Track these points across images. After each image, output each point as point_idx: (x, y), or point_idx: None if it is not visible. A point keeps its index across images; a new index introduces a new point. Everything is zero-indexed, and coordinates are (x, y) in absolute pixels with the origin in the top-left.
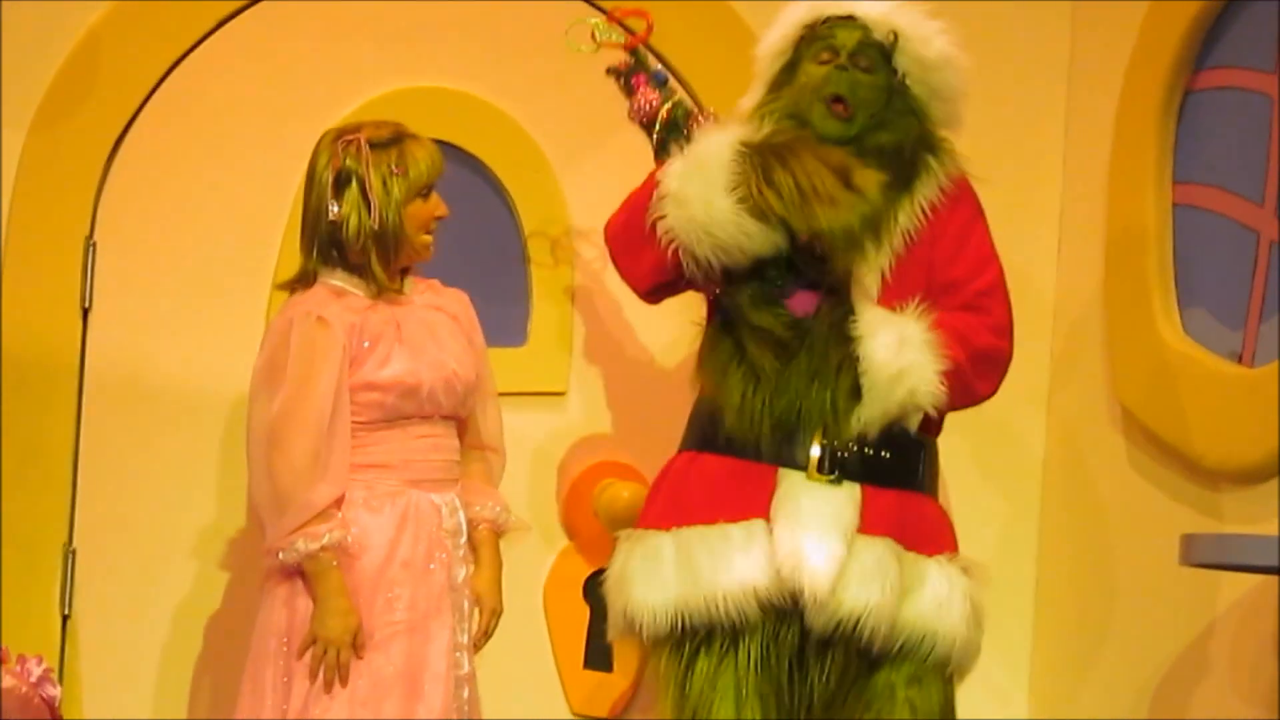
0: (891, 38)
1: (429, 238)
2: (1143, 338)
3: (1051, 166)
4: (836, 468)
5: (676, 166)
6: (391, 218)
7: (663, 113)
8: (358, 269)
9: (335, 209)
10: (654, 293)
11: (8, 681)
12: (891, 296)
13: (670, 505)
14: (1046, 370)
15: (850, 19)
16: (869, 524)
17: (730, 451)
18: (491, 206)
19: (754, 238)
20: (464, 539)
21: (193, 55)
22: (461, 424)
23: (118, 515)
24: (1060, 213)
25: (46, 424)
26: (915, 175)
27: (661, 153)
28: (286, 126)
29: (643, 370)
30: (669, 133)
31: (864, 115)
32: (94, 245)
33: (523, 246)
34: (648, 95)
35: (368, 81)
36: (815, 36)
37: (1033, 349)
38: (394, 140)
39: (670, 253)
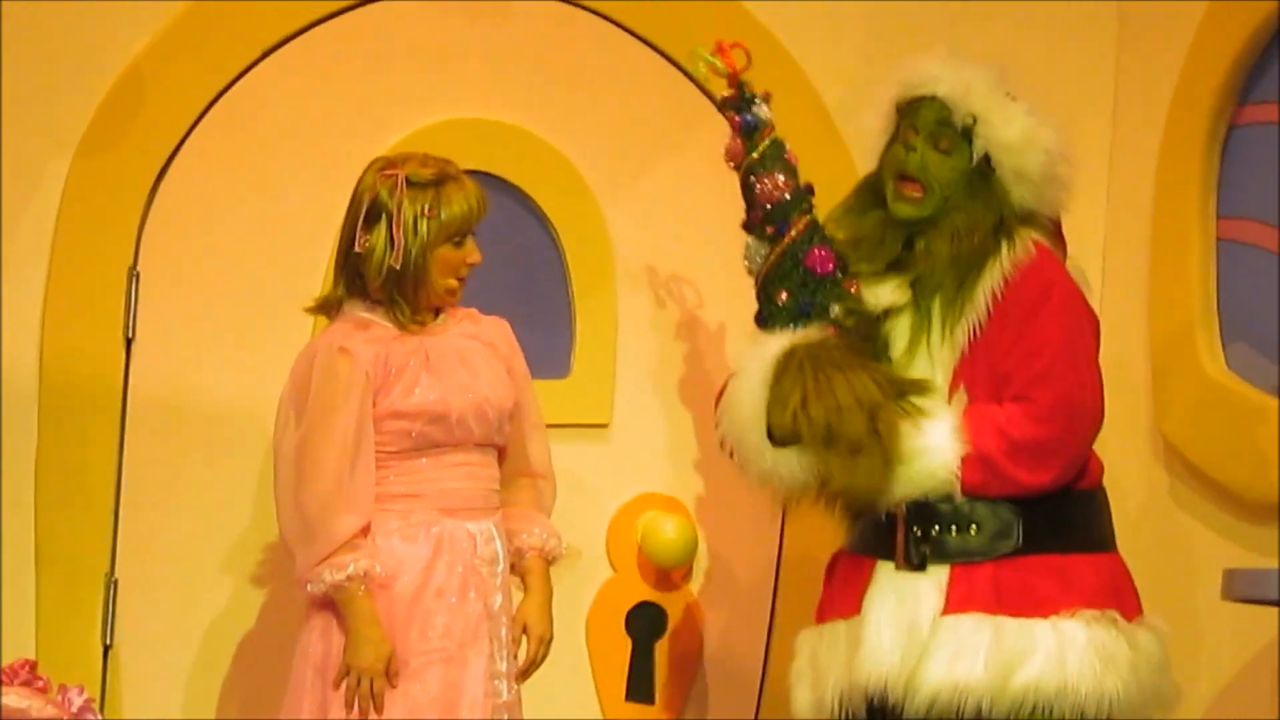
0: (969, 120)
1: (455, 283)
2: (1186, 371)
3: (1096, 201)
4: (921, 555)
5: (726, 396)
6: (415, 258)
7: (743, 167)
8: (380, 302)
9: (362, 241)
10: None
11: (49, 712)
12: (960, 388)
13: (819, 604)
14: None
15: (933, 98)
16: (956, 603)
17: (852, 547)
18: (535, 238)
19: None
20: (501, 567)
21: (237, 85)
22: (501, 451)
23: (160, 545)
24: (1104, 246)
25: (89, 453)
26: (983, 264)
27: (744, 204)
28: (330, 157)
29: (686, 402)
30: (744, 190)
31: (938, 196)
32: (137, 275)
33: (566, 278)
34: (735, 143)
35: (412, 113)
36: (903, 114)
37: None
38: (435, 181)
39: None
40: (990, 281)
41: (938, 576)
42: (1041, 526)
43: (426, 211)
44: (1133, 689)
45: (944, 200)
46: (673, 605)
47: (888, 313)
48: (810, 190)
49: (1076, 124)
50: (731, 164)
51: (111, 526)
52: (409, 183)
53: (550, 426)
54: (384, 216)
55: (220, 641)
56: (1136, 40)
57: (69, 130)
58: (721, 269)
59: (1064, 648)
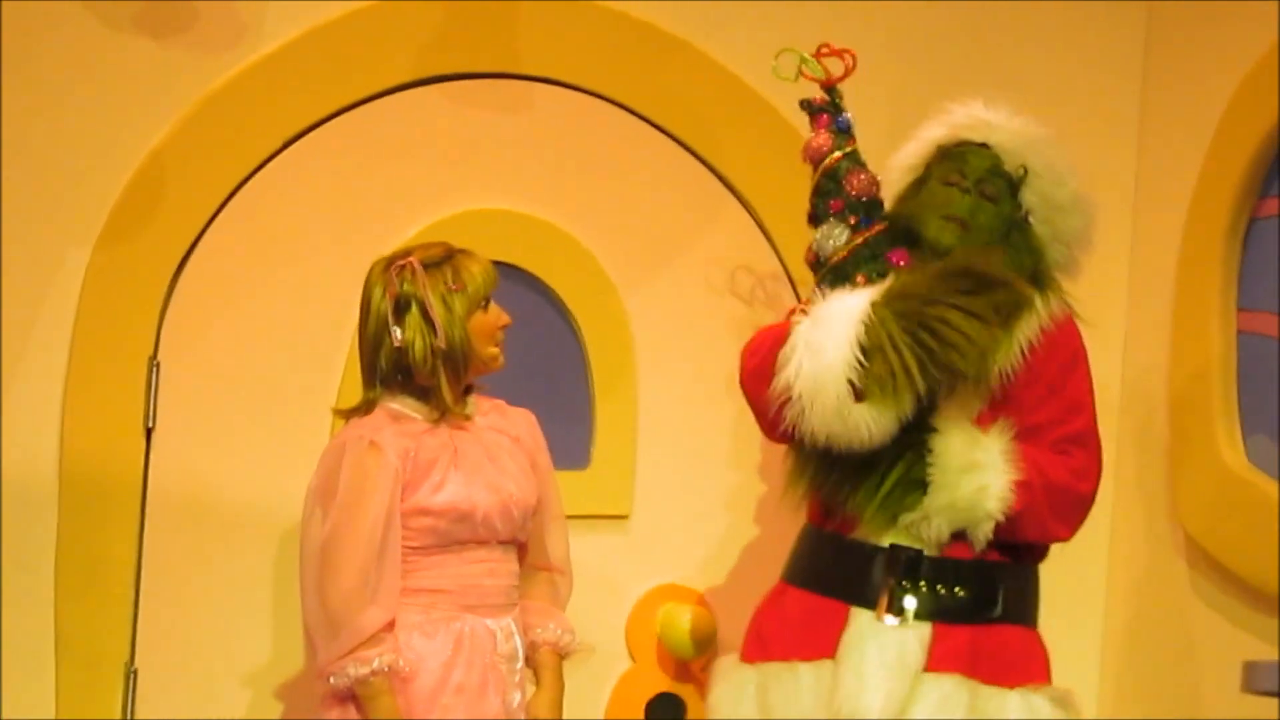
0: (1021, 171)
1: (496, 349)
2: (1206, 463)
3: (1116, 292)
4: (903, 608)
5: (794, 350)
6: (458, 334)
7: (828, 160)
8: (423, 392)
9: (399, 335)
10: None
11: None
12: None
13: (756, 639)
14: (1110, 494)
15: (984, 146)
16: (937, 661)
17: (808, 586)
18: (556, 329)
19: (866, 428)
20: (520, 664)
21: (257, 175)
22: (521, 548)
23: (179, 635)
24: (1125, 338)
25: (109, 543)
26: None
27: (814, 196)
28: (351, 248)
29: (706, 493)
30: (826, 180)
31: (979, 242)
32: (157, 365)
33: (587, 369)
34: (823, 138)
35: (432, 203)
36: (946, 156)
37: None
38: (446, 258)
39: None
40: (1028, 330)
41: (920, 632)
42: (1015, 597)
43: (451, 287)
44: None
45: (982, 244)
46: (692, 697)
47: None
48: (883, 204)
49: (1098, 213)
50: (813, 158)
51: (131, 616)
52: (425, 266)
53: (570, 517)
54: (414, 305)
55: None
56: (1159, 131)
57: (89, 220)
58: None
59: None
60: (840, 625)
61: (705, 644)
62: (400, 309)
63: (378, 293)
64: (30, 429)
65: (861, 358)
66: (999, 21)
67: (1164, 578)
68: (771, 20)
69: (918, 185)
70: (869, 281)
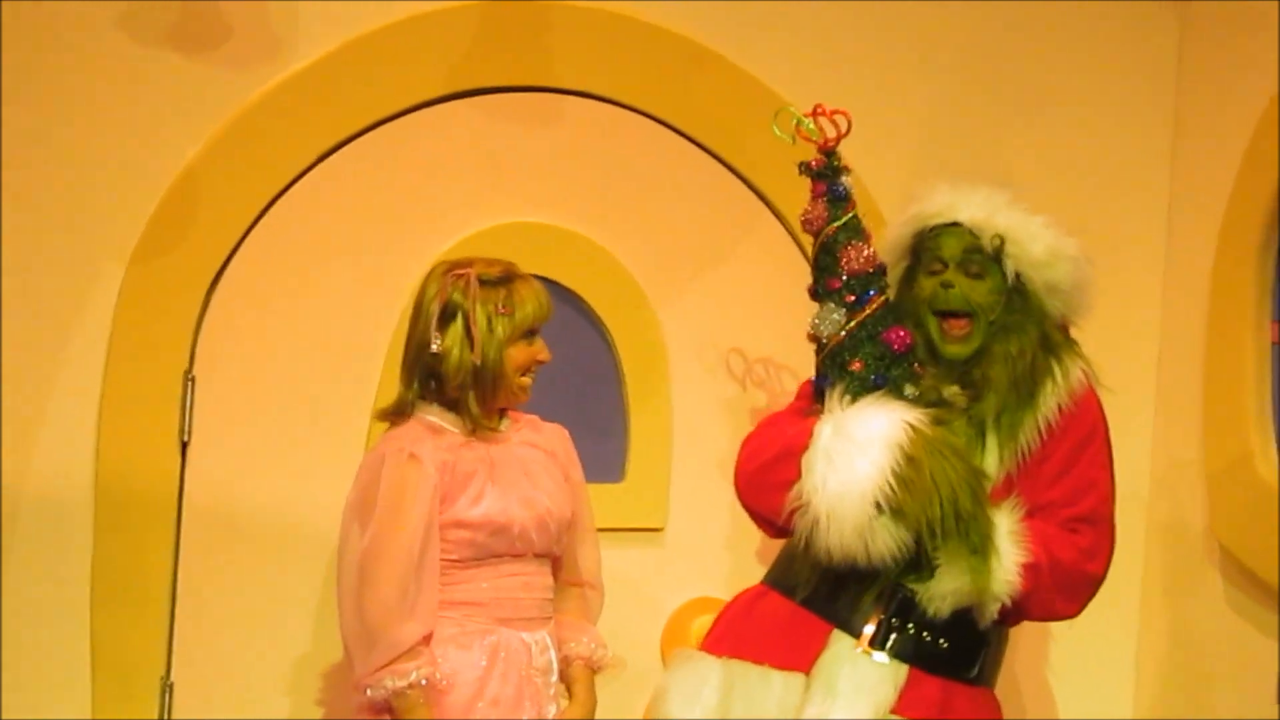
0: (997, 241)
1: (527, 380)
2: (1240, 475)
3: (1150, 304)
4: (886, 644)
5: (818, 463)
6: (493, 356)
7: (824, 234)
8: (454, 404)
9: (438, 342)
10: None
11: None
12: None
13: (728, 633)
14: (1144, 507)
15: (955, 225)
16: (906, 705)
17: (792, 595)
18: (589, 342)
19: (888, 549)
20: (555, 677)
21: (291, 190)
22: (556, 561)
23: (215, 648)
24: (1159, 350)
25: (145, 557)
26: (1039, 387)
27: (813, 271)
28: (385, 261)
29: (739, 507)
30: (823, 254)
31: (984, 323)
32: (193, 379)
33: (621, 382)
34: (819, 208)
35: (465, 217)
36: (924, 246)
37: (1130, 486)
38: (503, 279)
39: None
40: (1045, 410)
41: (896, 671)
42: (992, 661)
43: (500, 309)
44: None
45: (989, 325)
46: None
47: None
48: (885, 270)
49: (1131, 229)
50: (810, 230)
51: (167, 629)
52: (481, 282)
53: (604, 531)
54: (459, 316)
55: None
56: (1192, 142)
57: (124, 236)
58: (775, 372)
59: None
60: (819, 643)
61: None
62: (445, 316)
63: (430, 294)
64: (66, 443)
65: (894, 484)
66: (1031, 28)
67: (1198, 589)
68: (804, 32)
69: (908, 278)
70: (866, 368)
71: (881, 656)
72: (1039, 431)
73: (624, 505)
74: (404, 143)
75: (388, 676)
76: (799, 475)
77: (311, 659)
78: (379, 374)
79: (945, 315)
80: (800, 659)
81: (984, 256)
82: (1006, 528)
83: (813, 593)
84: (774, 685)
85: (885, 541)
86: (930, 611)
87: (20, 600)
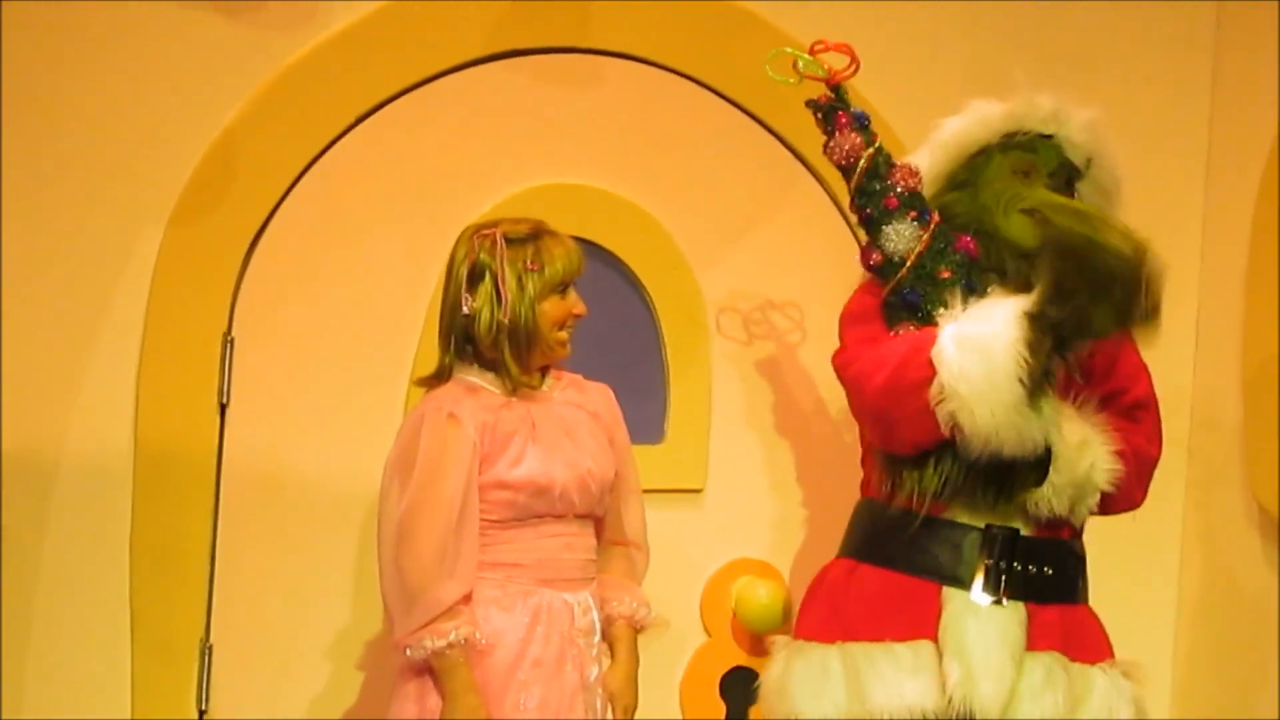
0: (1086, 162)
1: (564, 335)
2: (1279, 436)
3: (1189, 265)
4: (1001, 587)
5: (952, 352)
6: (525, 313)
7: (864, 159)
8: (492, 364)
9: (469, 303)
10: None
11: None
12: None
13: (832, 617)
14: (1183, 469)
15: (1049, 137)
16: (1035, 640)
17: (890, 564)
18: (629, 304)
19: (1037, 434)
20: (597, 638)
21: (330, 152)
22: (598, 522)
23: (255, 611)
24: (1197, 310)
25: (184, 520)
26: None
27: (860, 198)
28: (423, 222)
29: (780, 467)
30: (869, 179)
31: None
32: (231, 341)
33: (660, 344)
34: (850, 137)
35: (505, 178)
36: (1013, 144)
37: (1169, 447)
38: (531, 236)
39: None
40: None
41: (1016, 612)
42: (1085, 577)
43: (529, 266)
44: None
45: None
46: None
47: None
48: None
49: (1169, 191)
50: (848, 160)
51: (207, 592)
52: (507, 240)
53: (645, 492)
54: (488, 276)
55: (314, 707)
56: (1230, 108)
57: (163, 198)
58: (815, 333)
59: (1119, 696)
60: (933, 604)
61: (780, 617)
62: (474, 278)
63: (459, 257)
64: (105, 406)
65: (1029, 358)
66: (1066, 20)
67: (1237, 550)
68: None
69: (970, 167)
70: (955, 275)
71: (988, 599)
72: None
73: (664, 466)
74: (442, 105)
75: (427, 636)
76: (934, 371)
77: (351, 622)
78: (418, 336)
79: (1030, 213)
80: (918, 626)
81: (1066, 175)
82: (1094, 421)
83: (909, 556)
84: (901, 658)
85: (1041, 420)
86: (1047, 512)
87: (60, 564)
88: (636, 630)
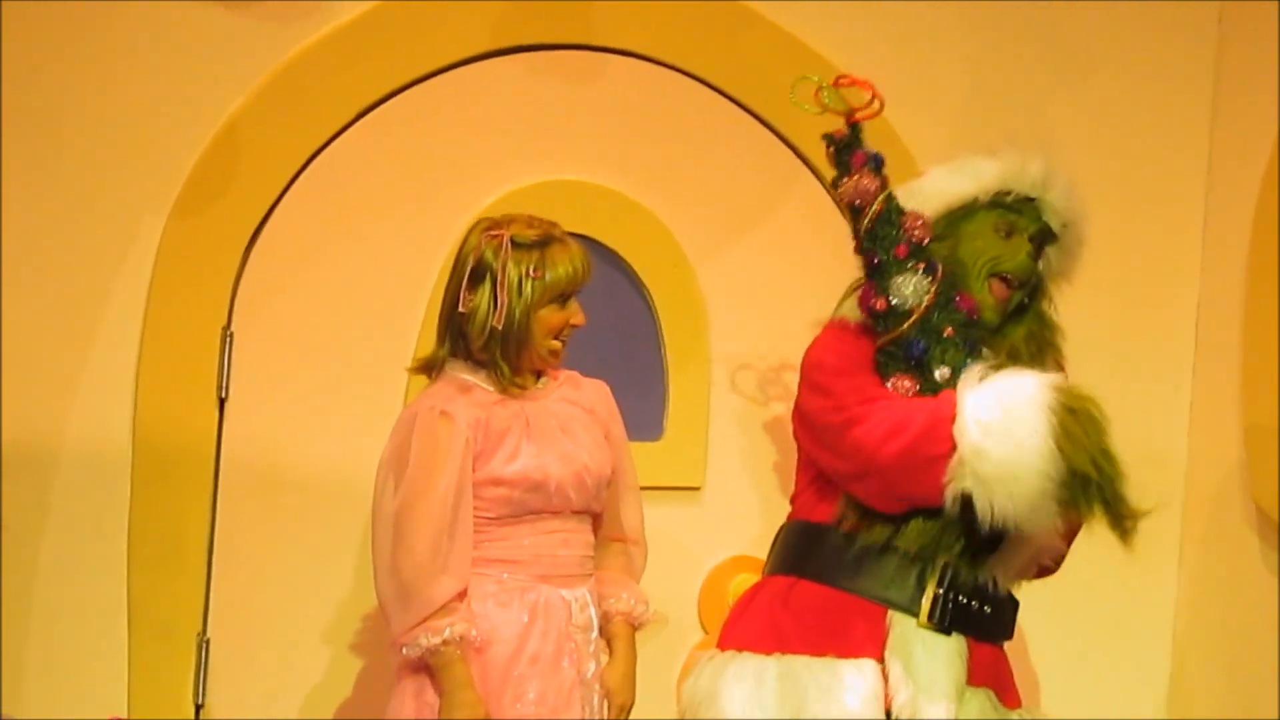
0: (1062, 227)
1: (558, 344)
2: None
3: (1190, 265)
4: (946, 617)
5: (978, 420)
6: (519, 318)
7: (877, 203)
8: (483, 363)
9: (466, 301)
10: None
11: None
12: None
13: (770, 630)
14: (1182, 471)
15: (1032, 201)
16: (972, 675)
17: (834, 583)
18: (629, 301)
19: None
20: (595, 634)
21: (331, 146)
22: (595, 518)
23: (252, 605)
24: (1197, 311)
25: (182, 513)
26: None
27: (869, 241)
28: (424, 218)
29: (778, 465)
30: (880, 225)
31: (1016, 300)
32: (231, 335)
33: (660, 341)
34: (866, 179)
35: (506, 173)
36: (998, 204)
37: (1168, 451)
38: (540, 242)
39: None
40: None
41: (959, 643)
42: (1015, 622)
43: (531, 272)
44: None
45: (1014, 306)
46: None
47: None
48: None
49: (1170, 189)
50: (862, 203)
51: (204, 586)
52: (514, 244)
53: (643, 489)
54: (488, 277)
55: (311, 702)
56: (1232, 107)
57: (163, 190)
58: (814, 331)
59: None
60: (878, 625)
61: None
62: (476, 275)
63: (467, 250)
64: (104, 398)
65: (1060, 456)
66: (1067, 19)
67: (1238, 555)
68: None
69: (949, 219)
70: (956, 332)
71: (947, 630)
72: None
73: (662, 463)
74: (445, 99)
75: (422, 634)
76: (953, 447)
77: (348, 616)
78: (417, 331)
79: (1005, 279)
80: (862, 645)
81: (1044, 238)
82: None
83: (855, 577)
84: (844, 676)
85: (1050, 508)
86: (999, 585)
87: (58, 556)
88: (634, 627)
